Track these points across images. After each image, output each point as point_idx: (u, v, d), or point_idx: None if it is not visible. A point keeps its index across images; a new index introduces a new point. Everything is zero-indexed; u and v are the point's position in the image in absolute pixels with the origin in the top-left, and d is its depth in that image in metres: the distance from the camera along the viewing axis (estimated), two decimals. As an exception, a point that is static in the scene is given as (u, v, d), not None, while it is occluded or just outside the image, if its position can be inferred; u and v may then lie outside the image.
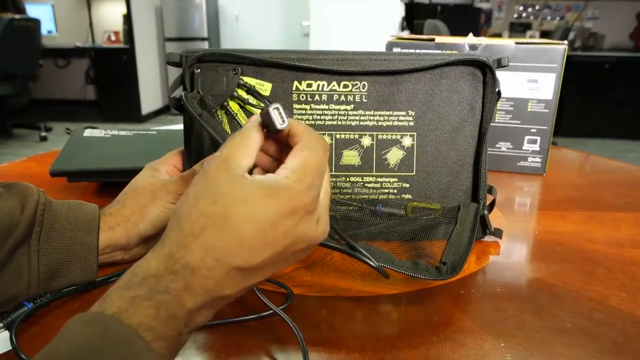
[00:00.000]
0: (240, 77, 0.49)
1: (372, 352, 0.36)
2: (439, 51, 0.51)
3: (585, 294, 0.45)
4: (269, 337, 0.38)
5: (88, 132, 0.77)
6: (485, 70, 0.52)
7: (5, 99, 4.04)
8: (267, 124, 0.32)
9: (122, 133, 0.78)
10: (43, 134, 4.22)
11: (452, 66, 0.52)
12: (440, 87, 0.52)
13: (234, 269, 0.26)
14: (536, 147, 0.81)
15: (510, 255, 0.53)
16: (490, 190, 0.55)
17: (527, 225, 0.62)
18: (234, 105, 0.50)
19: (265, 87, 0.50)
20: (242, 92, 0.50)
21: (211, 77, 0.49)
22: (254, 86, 0.50)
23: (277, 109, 0.31)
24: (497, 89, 0.51)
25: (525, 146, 0.82)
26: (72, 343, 0.24)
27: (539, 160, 0.82)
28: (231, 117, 0.50)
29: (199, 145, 0.50)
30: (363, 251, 0.40)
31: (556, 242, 0.56)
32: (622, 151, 4.06)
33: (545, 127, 0.80)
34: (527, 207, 0.70)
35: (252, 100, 0.50)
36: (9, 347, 0.35)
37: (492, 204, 0.55)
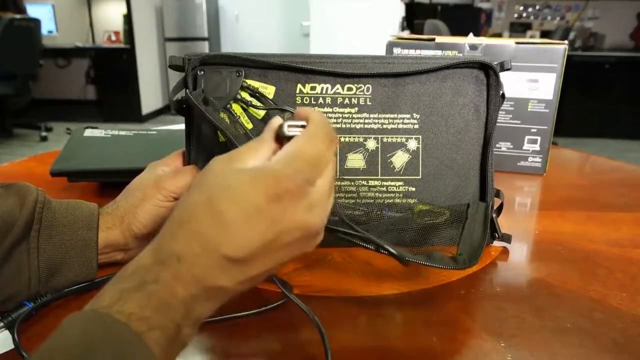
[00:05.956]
0: (244, 79, 0.49)
1: (373, 352, 0.36)
2: (442, 53, 0.50)
3: (585, 294, 0.45)
4: (265, 336, 0.38)
5: (88, 132, 0.77)
6: (488, 72, 0.51)
7: (5, 99, 4.04)
8: (281, 134, 0.32)
9: (122, 133, 0.78)
10: (43, 134, 4.22)
11: (456, 69, 0.51)
12: (444, 89, 0.52)
13: (222, 257, 0.26)
14: (536, 147, 0.81)
15: (511, 255, 0.53)
16: (498, 193, 0.54)
17: (527, 225, 0.62)
18: (237, 108, 0.49)
19: (268, 90, 0.50)
20: (245, 95, 0.49)
21: (214, 79, 0.49)
22: (258, 89, 0.49)
23: (285, 121, 0.31)
24: (500, 92, 0.51)
25: (526, 146, 0.82)
26: (65, 341, 0.23)
27: (539, 160, 0.82)
28: (234, 119, 0.49)
29: (198, 144, 0.50)
30: (378, 241, 0.39)
31: (556, 242, 0.56)
32: (622, 151, 4.06)
33: (546, 127, 0.80)
34: (527, 207, 0.70)
35: (255, 102, 0.49)
36: (9, 347, 0.35)
37: (500, 207, 0.54)
